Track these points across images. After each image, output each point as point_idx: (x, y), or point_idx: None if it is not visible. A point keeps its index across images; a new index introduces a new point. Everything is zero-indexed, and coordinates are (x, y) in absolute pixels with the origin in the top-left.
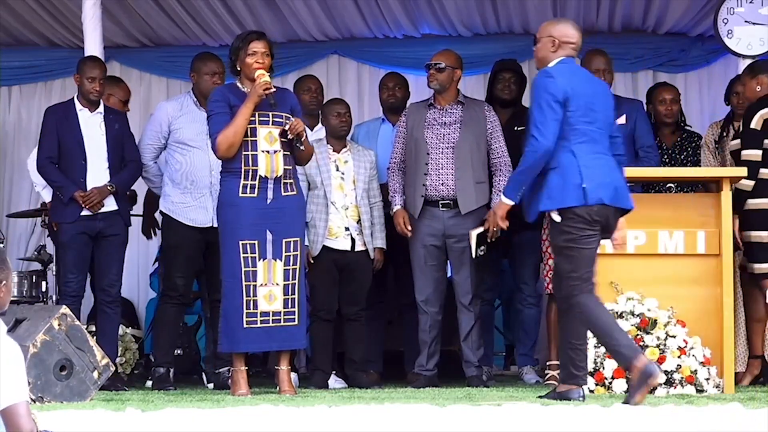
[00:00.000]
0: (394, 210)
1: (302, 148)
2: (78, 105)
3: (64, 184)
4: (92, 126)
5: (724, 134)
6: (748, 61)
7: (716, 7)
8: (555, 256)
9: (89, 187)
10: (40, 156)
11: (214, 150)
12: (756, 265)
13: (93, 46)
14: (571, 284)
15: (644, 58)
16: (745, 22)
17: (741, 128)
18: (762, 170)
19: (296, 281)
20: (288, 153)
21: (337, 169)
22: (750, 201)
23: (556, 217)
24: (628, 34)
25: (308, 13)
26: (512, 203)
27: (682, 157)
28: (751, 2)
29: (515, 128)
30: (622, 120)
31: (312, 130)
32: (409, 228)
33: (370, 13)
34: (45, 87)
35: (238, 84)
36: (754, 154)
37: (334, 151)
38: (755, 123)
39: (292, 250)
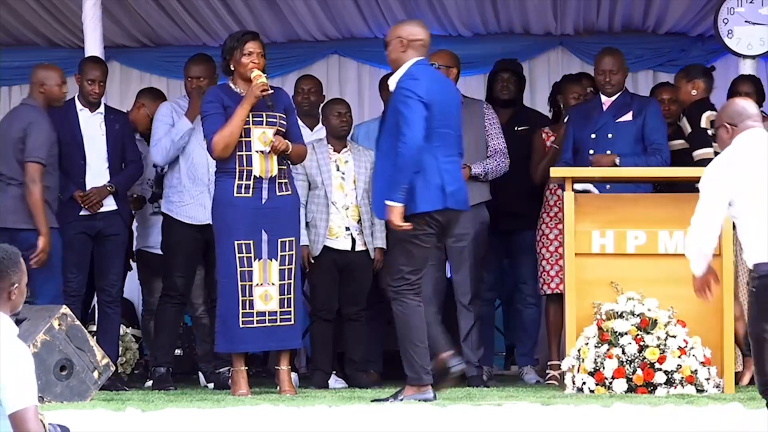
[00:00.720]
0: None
1: (292, 160)
2: (78, 105)
3: (63, 183)
4: (92, 126)
5: None
6: (749, 61)
7: (716, 7)
8: (393, 247)
9: (88, 187)
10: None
11: (209, 150)
12: None
13: (93, 46)
14: (401, 283)
15: (644, 58)
16: (746, 22)
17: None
18: None
19: (292, 281)
20: None
21: (338, 169)
22: None
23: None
24: (628, 34)
25: (308, 13)
26: (399, 204)
27: None
28: (751, 2)
29: (516, 128)
30: (628, 117)
31: (312, 131)
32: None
33: (370, 13)
34: None
35: (231, 84)
36: (707, 153)
37: (334, 151)
38: (704, 124)
39: (287, 249)
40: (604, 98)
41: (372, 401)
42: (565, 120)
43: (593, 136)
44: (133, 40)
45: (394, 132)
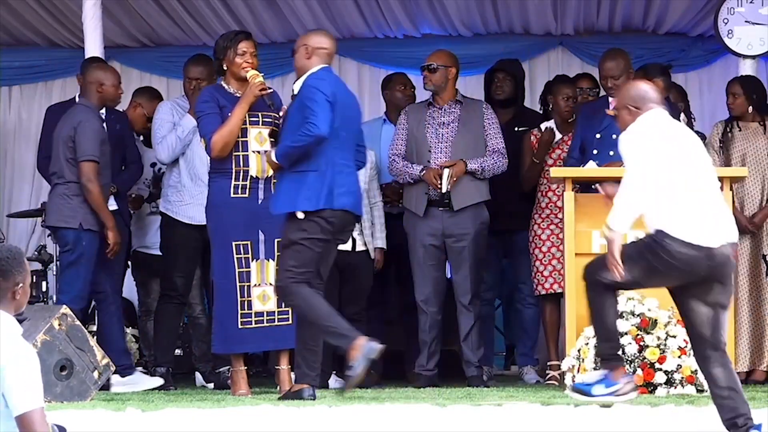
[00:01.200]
0: (420, 173)
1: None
2: None
3: None
4: None
5: (729, 133)
6: (749, 61)
7: (716, 7)
8: (284, 249)
9: None
10: (40, 155)
11: (207, 150)
12: None
13: (93, 46)
14: (289, 276)
15: (644, 58)
16: (746, 22)
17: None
18: None
19: None
20: None
21: None
22: None
23: (300, 215)
24: (628, 34)
25: (308, 13)
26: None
27: None
28: (751, 2)
29: (515, 129)
30: None
31: None
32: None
33: (370, 13)
34: (45, 87)
35: (224, 84)
36: None
37: None
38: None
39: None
40: (611, 98)
41: (279, 398)
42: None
43: (598, 136)
44: (133, 40)
45: (298, 130)
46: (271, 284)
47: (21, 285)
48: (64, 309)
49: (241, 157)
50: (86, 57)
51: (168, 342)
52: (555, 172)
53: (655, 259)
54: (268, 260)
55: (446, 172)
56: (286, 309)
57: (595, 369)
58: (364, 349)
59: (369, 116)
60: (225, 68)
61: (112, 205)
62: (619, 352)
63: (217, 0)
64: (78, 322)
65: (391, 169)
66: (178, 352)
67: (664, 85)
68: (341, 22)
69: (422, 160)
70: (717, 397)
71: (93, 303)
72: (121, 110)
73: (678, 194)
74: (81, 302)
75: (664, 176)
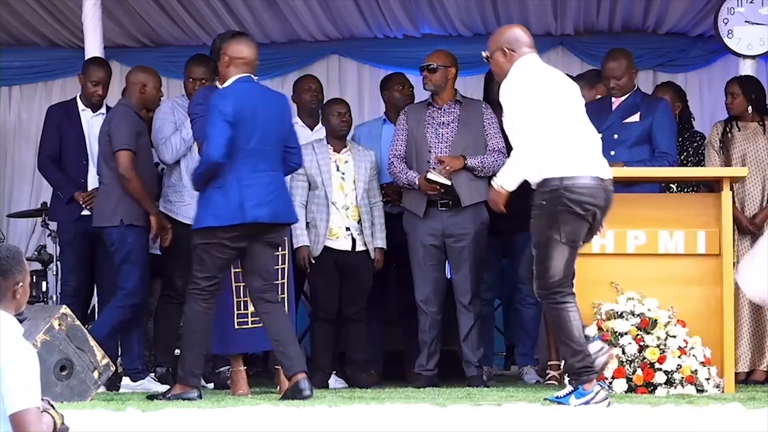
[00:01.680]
0: (416, 181)
1: None
2: (80, 105)
3: (64, 183)
4: (94, 126)
5: (728, 133)
6: (749, 61)
7: (716, 7)
8: (193, 252)
9: (90, 187)
10: (40, 155)
11: (200, 153)
12: None
13: (93, 46)
14: (194, 286)
15: (644, 58)
16: (746, 22)
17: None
18: None
19: (285, 280)
20: None
21: (338, 169)
22: None
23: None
24: (628, 34)
25: (308, 13)
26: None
27: (683, 157)
28: (751, 2)
29: None
30: (635, 118)
31: (312, 130)
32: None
33: (370, 13)
34: (45, 87)
35: (219, 85)
36: None
37: (334, 151)
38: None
39: (279, 249)
40: (614, 98)
41: (147, 397)
42: None
43: (600, 135)
44: (133, 40)
45: None
46: None
47: (21, 284)
48: (64, 309)
49: None
50: (86, 57)
51: (168, 342)
52: None
53: (567, 207)
54: None
55: (432, 175)
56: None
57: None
58: (183, 393)
59: (369, 116)
60: (220, 69)
61: None
62: (589, 364)
63: (217, 0)
64: (78, 322)
65: (390, 171)
66: (177, 352)
67: (606, 89)
68: (341, 22)
69: (422, 160)
70: None
71: (93, 303)
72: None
73: (567, 135)
74: (136, 297)
75: (551, 121)
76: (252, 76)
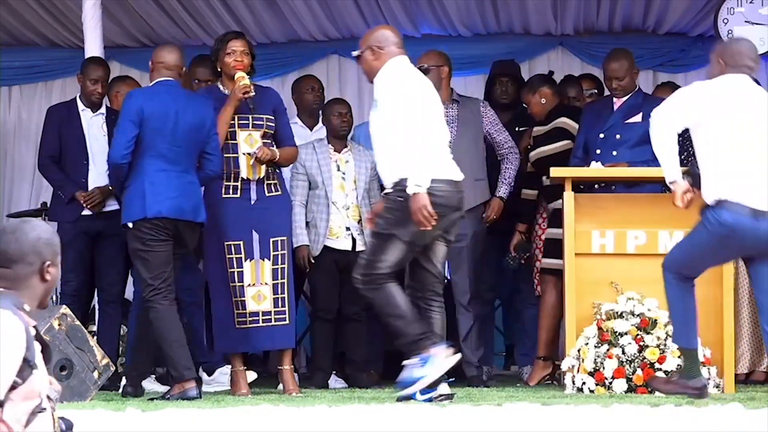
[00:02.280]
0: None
1: (281, 164)
2: (80, 105)
3: (64, 183)
4: (94, 126)
5: None
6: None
7: (716, 7)
8: (133, 261)
9: (90, 187)
10: (41, 155)
11: None
12: (546, 260)
13: (93, 46)
14: (149, 290)
15: (644, 58)
16: (746, 22)
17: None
18: None
19: (285, 280)
20: None
21: (338, 169)
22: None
23: (130, 224)
24: (628, 34)
25: (308, 13)
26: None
27: (683, 157)
28: (751, 2)
29: (516, 129)
30: (638, 118)
31: (312, 130)
32: None
33: (370, 13)
34: (45, 87)
35: (219, 86)
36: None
37: (335, 151)
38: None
39: (279, 249)
40: (615, 98)
41: (148, 399)
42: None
43: (602, 135)
44: (133, 40)
45: None
46: (266, 284)
47: None
48: (64, 309)
49: (231, 159)
50: (86, 57)
51: None
52: (555, 172)
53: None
54: (263, 260)
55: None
56: (283, 309)
57: (595, 369)
58: (184, 392)
59: (369, 116)
60: (219, 69)
61: (113, 205)
62: (425, 331)
63: (217, 0)
64: (78, 322)
65: None
66: None
67: (552, 92)
68: (341, 22)
69: None
70: None
71: (94, 303)
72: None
73: (430, 138)
74: (196, 295)
75: (418, 123)
76: (173, 79)
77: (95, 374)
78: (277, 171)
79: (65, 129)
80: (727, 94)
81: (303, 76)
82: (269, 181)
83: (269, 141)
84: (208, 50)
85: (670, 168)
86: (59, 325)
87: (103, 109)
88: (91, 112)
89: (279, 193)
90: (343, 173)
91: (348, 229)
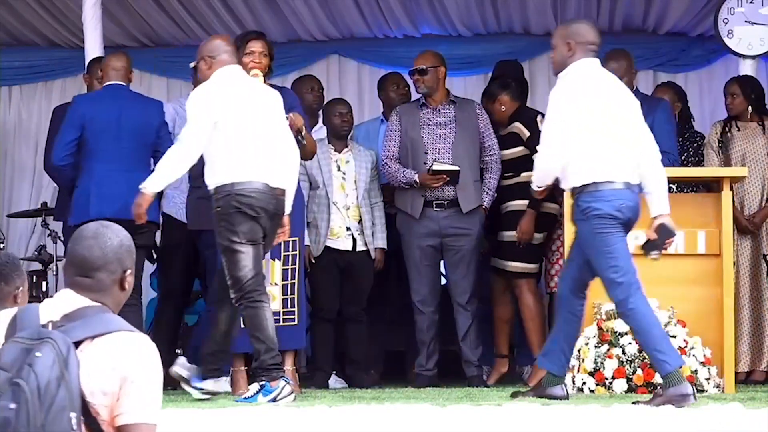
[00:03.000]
0: (416, 179)
1: (304, 142)
2: None
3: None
4: None
5: (728, 133)
6: (749, 61)
7: (716, 6)
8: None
9: None
10: (46, 156)
11: None
12: (511, 264)
13: (93, 46)
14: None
15: (644, 58)
16: (746, 21)
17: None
18: (523, 174)
19: (296, 281)
20: None
21: (339, 169)
22: (511, 203)
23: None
24: (628, 34)
25: (308, 13)
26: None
27: (683, 157)
28: (751, 2)
29: None
30: None
31: (312, 130)
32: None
33: (370, 13)
34: (45, 87)
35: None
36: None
37: (335, 151)
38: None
39: (291, 249)
40: None
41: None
42: None
43: None
44: (133, 40)
45: None
46: (276, 284)
47: (21, 288)
48: None
49: None
50: (86, 57)
51: (168, 342)
52: None
53: (237, 208)
54: (274, 260)
55: (438, 165)
56: (292, 309)
57: (595, 369)
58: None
59: (369, 116)
60: None
61: None
62: (278, 361)
63: (217, 0)
64: None
65: (384, 173)
66: (178, 351)
67: (510, 97)
68: (341, 22)
69: (418, 162)
70: None
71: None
72: None
73: (246, 143)
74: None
75: (232, 129)
76: (121, 83)
77: None
78: None
79: None
80: (591, 85)
81: (303, 76)
82: None
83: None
84: None
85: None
86: None
87: None
88: None
89: None
90: (344, 173)
91: (348, 229)
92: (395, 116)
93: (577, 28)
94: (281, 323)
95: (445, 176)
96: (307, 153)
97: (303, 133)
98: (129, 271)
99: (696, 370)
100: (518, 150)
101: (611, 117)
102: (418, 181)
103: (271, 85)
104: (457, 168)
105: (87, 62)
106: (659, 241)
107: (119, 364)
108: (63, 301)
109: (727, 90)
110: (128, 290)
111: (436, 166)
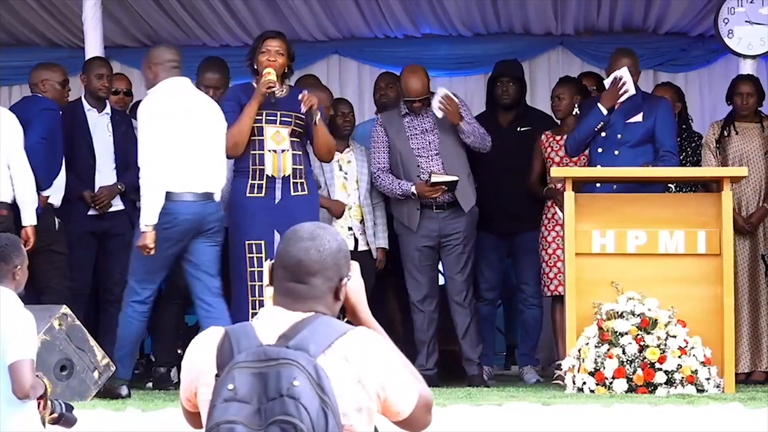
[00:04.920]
0: (413, 190)
1: (316, 123)
2: (86, 105)
3: (73, 183)
4: (100, 127)
5: (725, 134)
6: (749, 61)
7: (716, 7)
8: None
9: (97, 186)
10: None
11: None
12: None
13: (93, 46)
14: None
15: (644, 58)
16: (746, 21)
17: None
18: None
19: None
20: (299, 153)
21: (340, 169)
22: None
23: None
24: (629, 34)
25: (309, 13)
26: None
27: (682, 157)
28: (751, 2)
29: (519, 129)
30: (638, 118)
31: None
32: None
33: (370, 13)
34: None
35: (254, 84)
36: None
37: (337, 151)
38: None
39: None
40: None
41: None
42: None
43: (603, 134)
44: (133, 40)
45: None
46: None
47: (19, 267)
48: (64, 309)
49: (257, 155)
50: (86, 57)
51: (168, 342)
52: (556, 172)
53: None
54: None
55: (436, 177)
56: None
57: (596, 369)
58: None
59: (369, 116)
60: (255, 67)
61: (119, 204)
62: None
63: (217, 0)
64: (78, 322)
65: (378, 186)
66: (179, 352)
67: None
68: (341, 22)
69: (411, 172)
70: None
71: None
72: (124, 112)
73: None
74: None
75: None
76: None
77: (95, 374)
78: (306, 170)
79: (72, 130)
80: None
81: (303, 76)
82: (295, 180)
83: (297, 139)
84: (208, 50)
85: None
86: (59, 325)
87: (108, 110)
88: (96, 112)
89: (305, 192)
90: (345, 173)
91: (350, 229)
92: (379, 127)
93: (153, 52)
94: None
95: (444, 187)
96: (321, 147)
97: (315, 117)
98: (345, 280)
99: (696, 370)
100: None
101: (188, 130)
102: (415, 192)
103: (289, 86)
104: (456, 178)
105: (84, 63)
106: None
107: (363, 371)
108: (274, 318)
109: (738, 89)
110: (341, 300)
111: (435, 178)
